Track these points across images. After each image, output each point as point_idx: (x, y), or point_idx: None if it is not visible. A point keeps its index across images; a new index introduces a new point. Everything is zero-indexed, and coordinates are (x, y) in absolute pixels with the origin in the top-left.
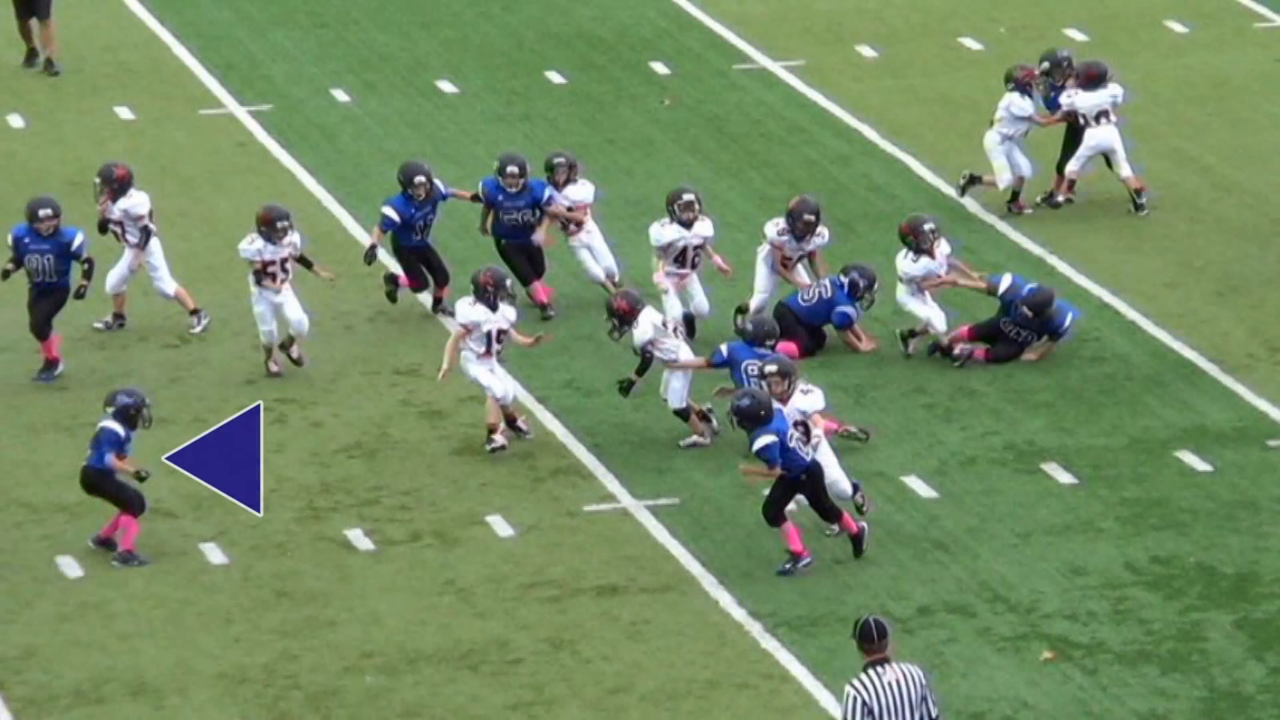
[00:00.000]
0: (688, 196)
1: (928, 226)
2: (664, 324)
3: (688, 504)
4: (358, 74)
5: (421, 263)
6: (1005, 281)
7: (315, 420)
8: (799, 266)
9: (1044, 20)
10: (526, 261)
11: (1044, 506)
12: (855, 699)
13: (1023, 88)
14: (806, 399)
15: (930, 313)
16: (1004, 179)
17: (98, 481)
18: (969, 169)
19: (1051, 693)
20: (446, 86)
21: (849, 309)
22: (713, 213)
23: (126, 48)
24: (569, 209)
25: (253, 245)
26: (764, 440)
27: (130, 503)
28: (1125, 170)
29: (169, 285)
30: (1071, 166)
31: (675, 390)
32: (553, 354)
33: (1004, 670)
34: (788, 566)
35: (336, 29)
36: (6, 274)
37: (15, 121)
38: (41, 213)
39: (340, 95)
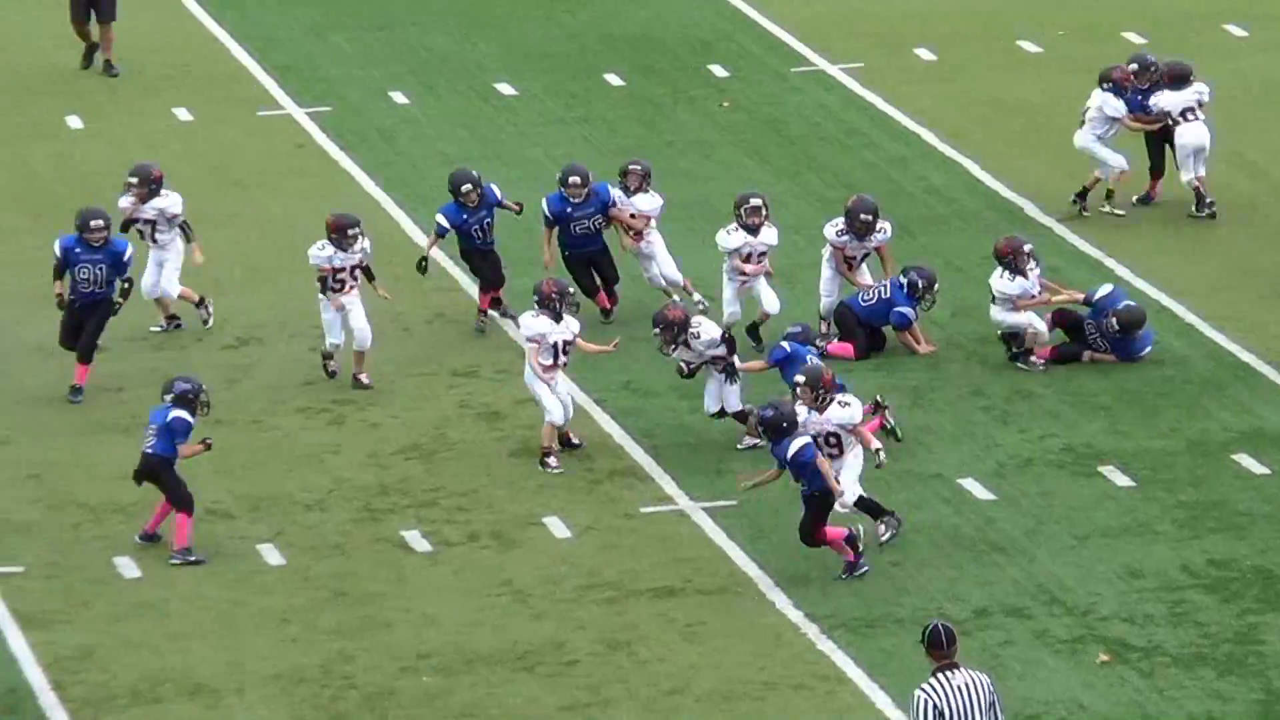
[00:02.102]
0: (755, 201)
1: (1027, 248)
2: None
3: (745, 506)
4: (416, 76)
5: (483, 264)
6: (1105, 289)
7: (373, 422)
8: (863, 266)
9: (1102, 23)
10: (591, 275)
11: (1101, 509)
12: (926, 702)
13: (1118, 88)
14: (844, 412)
15: (1029, 318)
16: (1117, 162)
17: (159, 469)
18: (1072, 191)
19: (1107, 695)
20: (505, 89)
21: (907, 310)
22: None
23: (185, 49)
24: (631, 216)
25: (323, 252)
26: (799, 444)
27: (184, 500)
28: (1197, 170)
29: (174, 287)
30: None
31: (731, 394)
32: (611, 356)
33: (1060, 672)
34: (844, 575)
35: (395, 31)
36: (62, 299)
37: (74, 123)
38: (94, 224)
39: (398, 97)
